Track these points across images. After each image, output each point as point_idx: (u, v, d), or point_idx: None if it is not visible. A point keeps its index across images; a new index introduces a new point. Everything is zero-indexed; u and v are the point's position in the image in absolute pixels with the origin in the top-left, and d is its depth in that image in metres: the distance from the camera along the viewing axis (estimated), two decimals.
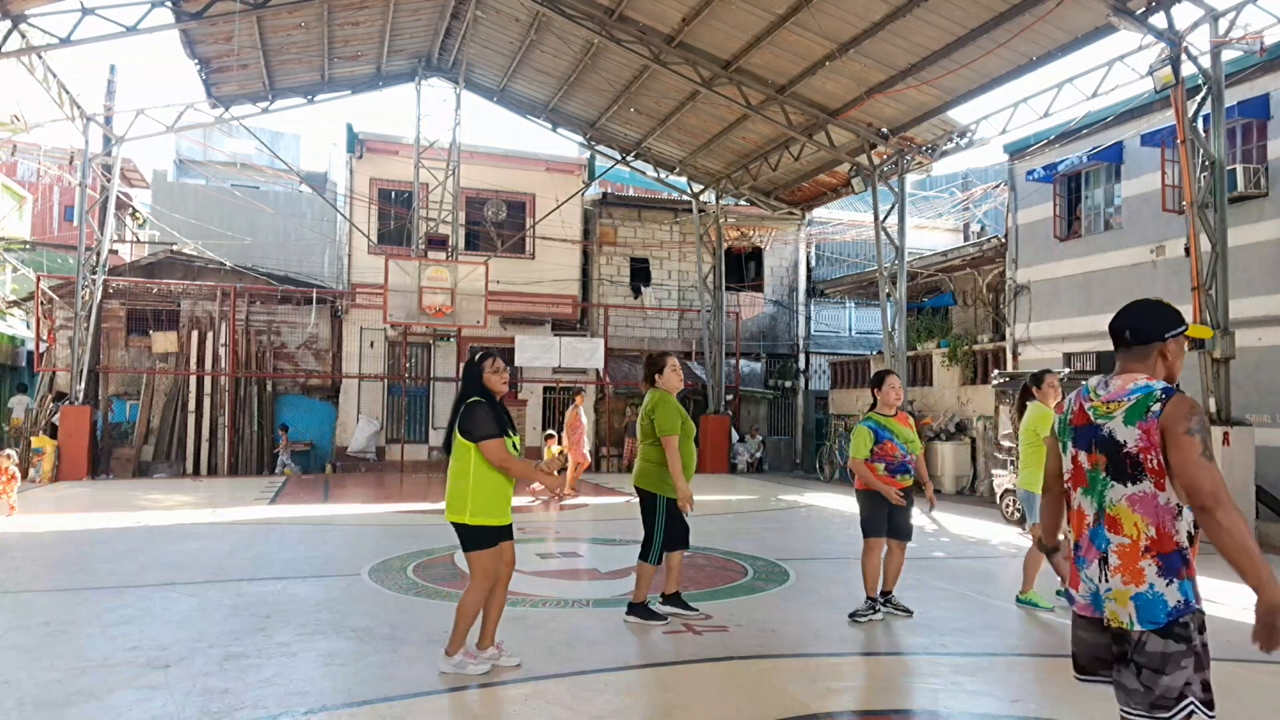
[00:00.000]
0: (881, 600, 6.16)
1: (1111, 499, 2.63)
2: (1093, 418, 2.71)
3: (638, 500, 5.97)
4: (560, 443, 14.11)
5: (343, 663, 4.95)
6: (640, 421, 5.97)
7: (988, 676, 5.02)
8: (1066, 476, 2.83)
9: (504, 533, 4.77)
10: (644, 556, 5.85)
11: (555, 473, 5.02)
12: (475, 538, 4.64)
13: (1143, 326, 2.74)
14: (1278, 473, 11.26)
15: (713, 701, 4.46)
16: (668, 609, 5.97)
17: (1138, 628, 2.55)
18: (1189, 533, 2.58)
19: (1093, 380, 2.80)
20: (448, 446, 4.75)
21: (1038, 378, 6.77)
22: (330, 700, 4.31)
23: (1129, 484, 2.60)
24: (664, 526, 5.80)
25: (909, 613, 6.18)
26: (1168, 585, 2.54)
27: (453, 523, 4.69)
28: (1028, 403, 6.78)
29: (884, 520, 6.08)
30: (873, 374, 6.38)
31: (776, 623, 6.00)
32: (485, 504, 4.62)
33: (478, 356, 4.81)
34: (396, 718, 4.12)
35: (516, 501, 4.73)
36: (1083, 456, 2.73)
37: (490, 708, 4.34)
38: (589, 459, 14.12)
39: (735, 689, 4.64)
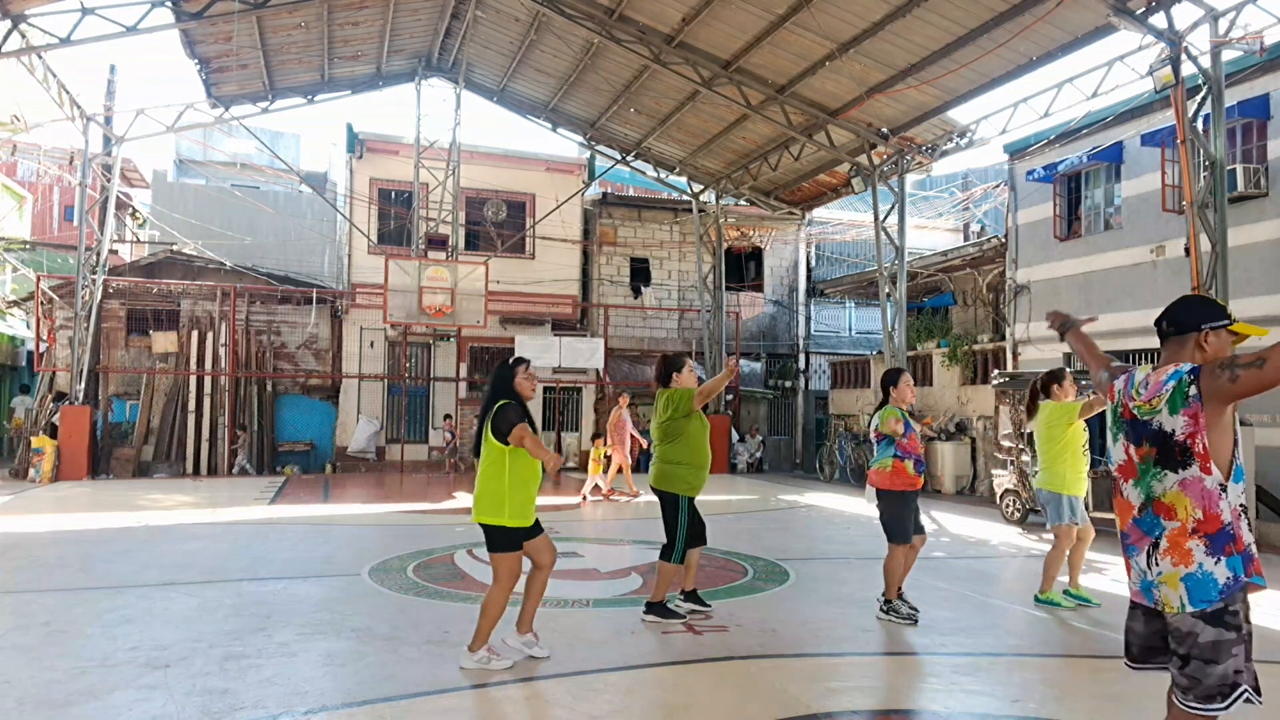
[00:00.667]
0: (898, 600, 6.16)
1: (1165, 487, 2.69)
2: (1137, 415, 2.78)
3: (658, 501, 6.06)
4: (607, 444, 14.19)
5: (343, 663, 4.95)
6: (658, 421, 6.03)
7: (988, 676, 5.02)
8: (1116, 466, 2.89)
9: (531, 532, 4.90)
10: (665, 557, 5.92)
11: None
12: (506, 540, 4.78)
13: (1179, 317, 2.81)
14: (1278, 473, 11.26)
15: (713, 701, 4.46)
16: (687, 606, 6.06)
17: (1189, 609, 2.58)
18: (1236, 509, 2.63)
19: (1139, 375, 2.85)
20: (478, 449, 4.89)
21: (1055, 375, 6.74)
22: (330, 700, 4.31)
23: (1179, 470, 2.66)
24: (685, 525, 5.88)
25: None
26: (1216, 563, 2.58)
27: (483, 524, 4.80)
28: (1038, 402, 6.74)
29: (910, 525, 6.09)
30: (885, 372, 6.37)
31: (776, 623, 6.00)
32: (520, 506, 4.78)
33: (511, 361, 4.98)
34: (396, 718, 4.12)
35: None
36: (1133, 450, 2.80)
37: (490, 707, 4.34)
38: (630, 459, 14.26)
39: (735, 689, 4.64)
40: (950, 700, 4.64)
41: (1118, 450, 2.87)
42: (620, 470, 13.99)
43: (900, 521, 6.03)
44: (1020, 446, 11.66)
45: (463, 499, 14.21)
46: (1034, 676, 5.02)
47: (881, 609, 6.07)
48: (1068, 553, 6.61)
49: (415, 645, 5.25)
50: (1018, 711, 4.36)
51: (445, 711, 4.21)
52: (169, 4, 13.00)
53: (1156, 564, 2.67)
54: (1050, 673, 5.10)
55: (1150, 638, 2.77)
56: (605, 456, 14.04)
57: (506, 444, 4.72)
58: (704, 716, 4.26)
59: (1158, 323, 2.87)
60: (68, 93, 15.52)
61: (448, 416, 19.37)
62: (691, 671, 4.96)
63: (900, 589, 6.22)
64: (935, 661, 5.28)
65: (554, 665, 4.88)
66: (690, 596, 6.14)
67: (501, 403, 4.79)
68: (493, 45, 18.01)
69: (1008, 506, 11.85)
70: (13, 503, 12.64)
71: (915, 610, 6.05)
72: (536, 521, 4.94)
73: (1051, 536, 6.82)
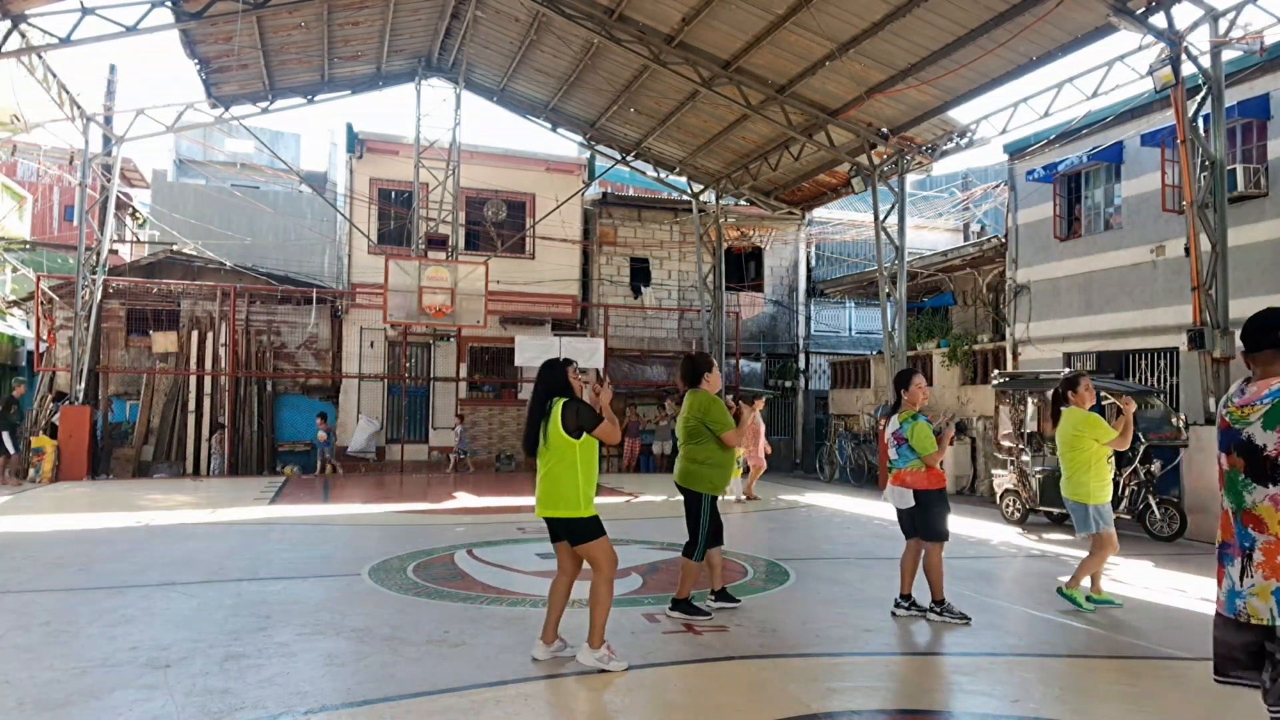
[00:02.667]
0: (910, 602, 6.19)
1: (1254, 499, 2.69)
2: (1230, 423, 2.79)
3: (681, 499, 6.14)
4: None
5: (343, 663, 4.95)
6: (684, 422, 6.10)
7: (988, 676, 5.02)
8: (1217, 476, 2.90)
9: None
10: (688, 554, 6.02)
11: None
12: (592, 528, 4.89)
13: None
14: None
15: (713, 701, 4.46)
16: (719, 605, 6.21)
17: None
18: None
19: (1233, 387, 2.87)
20: (532, 448, 4.96)
21: (1071, 382, 6.66)
22: (330, 700, 4.31)
23: (1270, 484, 2.65)
24: (707, 524, 5.97)
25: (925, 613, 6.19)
26: None
27: (563, 519, 4.88)
28: (1061, 409, 6.68)
29: (948, 522, 6.19)
30: (898, 373, 6.37)
31: (776, 623, 6.00)
32: (591, 495, 4.93)
33: (561, 360, 5.13)
34: (396, 718, 4.12)
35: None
36: (1224, 458, 2.81)
37: (490, 707, 4.34)
38: (764, 461, 14.52)
39: (735, 689, 4.64)
40: (950, 700, 4.64)
41: (1216, 460, 2.90)
42: (758, 471, 14.25)
43: (944, 519, 6.10)
44: (1020, 446, 11.66)
45: (463, 499, 14.21)
46: (1034, 676, 5.01)
47: (933, 610, 6.06)
48: (1109, 559, 6.59)
49: (415, 645, 5.25)
50: (1018, 711, 4.36)
51: (445, 711, 4.20)
52: (169, 4, 13.00)
53: (1249, 575, 2.67)
54: (1050, 673, 5.10)
55: (1232, 648, 2.75)
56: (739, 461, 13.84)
57: (579, 438, 4.83)
58: (704, 716, 4.26)
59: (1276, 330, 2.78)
60: (68, 93, 15.52)
61: (323, 415, 18.75)
62: (691, 671, 4.96)
63: (909, 591, 6.24)
64: (935, 661, 5.28)
65: (554, 665, 4.88)
66: (721, 595, 6.30)
67: (565, 400, 4.92)
68: (493, 45, 18.01)
69: (1008, 506, 11.85)
70: (13, 503, 12.64)
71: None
72: None
73: (1061, 539, 6.80)
